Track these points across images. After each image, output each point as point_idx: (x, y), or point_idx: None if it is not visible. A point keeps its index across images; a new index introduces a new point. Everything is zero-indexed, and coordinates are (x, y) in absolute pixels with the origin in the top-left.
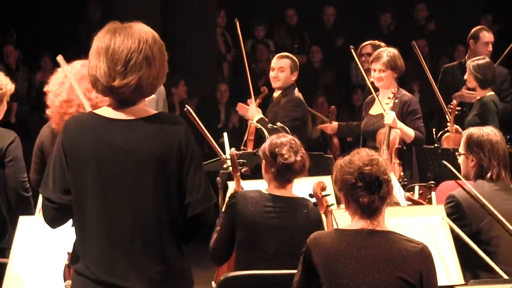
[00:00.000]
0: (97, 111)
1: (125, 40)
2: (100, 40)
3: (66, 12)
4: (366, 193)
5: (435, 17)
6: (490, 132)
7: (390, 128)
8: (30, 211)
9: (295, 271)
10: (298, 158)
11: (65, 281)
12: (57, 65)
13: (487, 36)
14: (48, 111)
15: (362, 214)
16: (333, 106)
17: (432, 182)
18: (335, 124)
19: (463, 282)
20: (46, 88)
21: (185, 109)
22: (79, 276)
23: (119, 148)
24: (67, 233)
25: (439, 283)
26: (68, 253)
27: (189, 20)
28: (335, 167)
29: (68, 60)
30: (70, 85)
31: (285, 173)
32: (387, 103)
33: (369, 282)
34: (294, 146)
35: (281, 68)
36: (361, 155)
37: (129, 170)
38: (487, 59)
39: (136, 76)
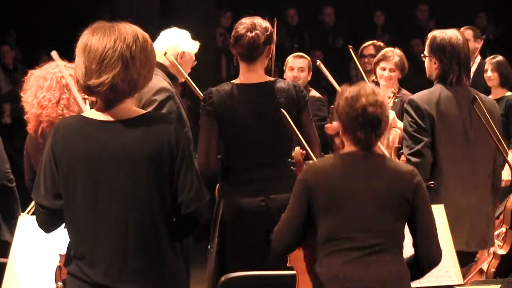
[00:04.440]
0: (85, 114)
1: (101, 39)
2: (80, 40)
3: (65, 12)
4: (365, 130)
5: (435, 17)
6: (452, 35)
7: (390, 127)
8: (14, 202)
9: (294, 272)
10: (250, 34)
11: (56, 282)
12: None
13: None
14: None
15: (356, 145)
16: (332, 106)
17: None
18: (335, 124)
19: (462, 282)
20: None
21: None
22: (73, 279)
23: (109, 150)
24: (65, 233)
25: (439, 283)
26: (60, 255)
27: (189, 20)
28: (340, 94)
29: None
30: (35, 85)
31: (235, 46)
32: None
33: (368, 189)
34: (254, 25)
35: (301, 68)
36: (367, 92)
37: (121, 172)
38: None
39: (111, 75)
